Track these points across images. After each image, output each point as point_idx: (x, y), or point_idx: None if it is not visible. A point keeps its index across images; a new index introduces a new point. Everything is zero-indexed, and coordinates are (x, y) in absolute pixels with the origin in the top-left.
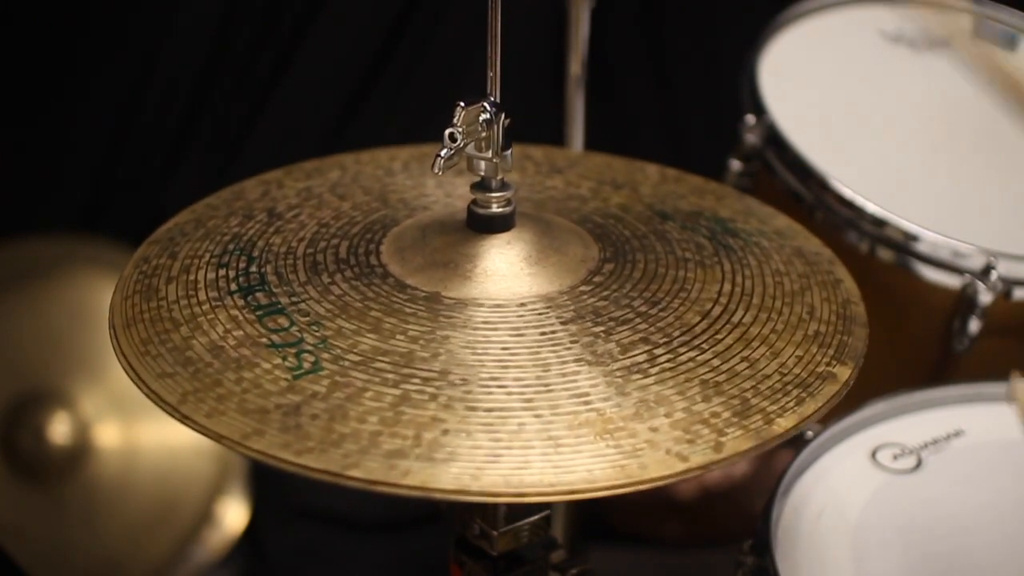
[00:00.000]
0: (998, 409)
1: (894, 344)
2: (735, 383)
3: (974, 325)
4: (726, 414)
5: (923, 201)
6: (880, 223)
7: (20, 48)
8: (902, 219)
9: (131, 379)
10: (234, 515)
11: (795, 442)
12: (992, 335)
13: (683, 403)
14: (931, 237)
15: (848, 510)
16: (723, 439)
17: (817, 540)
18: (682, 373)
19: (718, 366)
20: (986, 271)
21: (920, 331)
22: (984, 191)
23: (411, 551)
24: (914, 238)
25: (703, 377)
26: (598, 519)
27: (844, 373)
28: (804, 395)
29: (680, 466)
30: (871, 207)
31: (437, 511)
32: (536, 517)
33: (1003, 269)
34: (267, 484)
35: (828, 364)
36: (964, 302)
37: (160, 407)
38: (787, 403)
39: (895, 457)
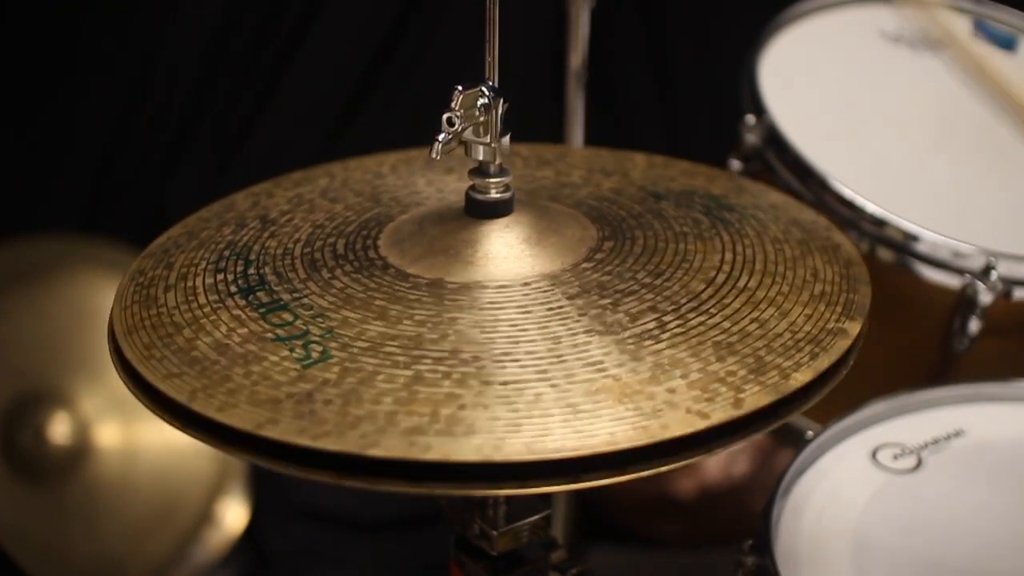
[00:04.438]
0: (998, 409)
1: (894, 343)
2: (747, 343)
3: (974, 325)
4: (742, 372)
5: (923, 201)
6: (880, 223)
7: (20, 48)
8: (902, 219)
9: (130, 391)
10: (234, 515)
11: (795, 442)
12: (992, 335)
13: (698, 364)
14: (931, 237)
15: (848, 510)
16: (742, 395)
17: (817, 540)
18: (694, 336)
19: (729, 328)
20: (986, 271)
21: (920, 331)
22: (984, 191)
23: (411, 551)
24: (914, 238)
25: (715, 339)
26: (598, 519)
27: (854, 328)
28: (817, 350)
29: (702, 423)
30: (871, 207)
31: (437, 511)
32: (536, 517)
33: (1003, 269)
34: (267, 484)
35: (837, 320)
36: (964, 302)
37: (159, 416)
38: (801, 358)
39: (895, 457)
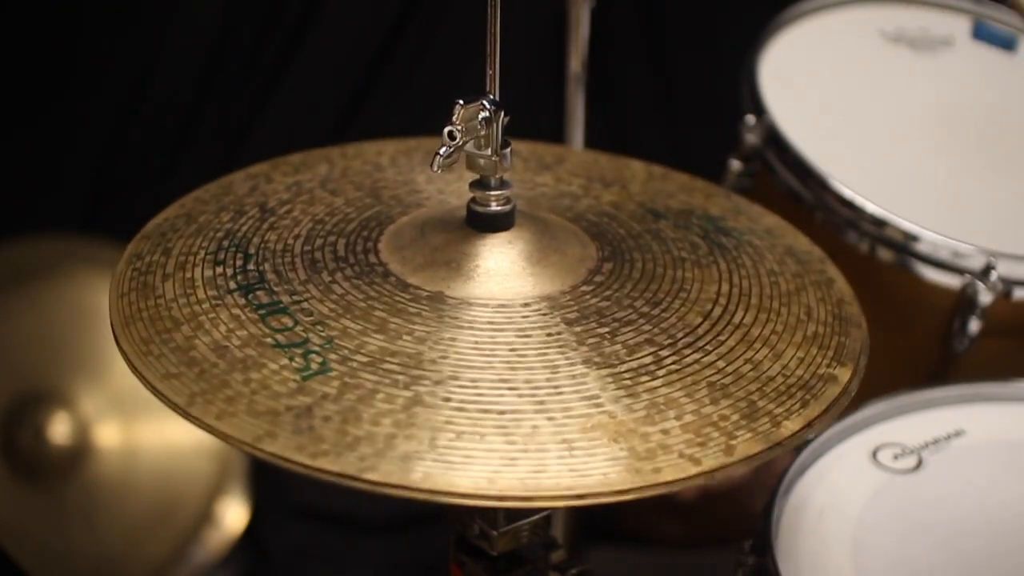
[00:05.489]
0: (998, 409)
1: (894, 344)
2: (741, 385)
3: (974, 325)
4: (734, 416)
5: (923, 201)
6: (880, 223)
7: (20, 48)
8: (902, 219)
9: (137, 377)
10: (234, 515)
11: None
12: (992, 335)
13: (692, 405)
14: (931, 237)
15: (849, 510)
16: (733, 442)
17: (818, 540)
18: (689, 375)
19: (723, 368)
20: (986, 271)
21: (920, 331)
22: (984, 191)
23: (411, 551)
24: (914, 238)
25: (709, 379)
26: (598, 519)
27: (844, 375)
28: (808, 397)
29: (693, 469)
30: (871, 207)
31: (437, 511)
32: (536, 517)
33: (1003, 269)
34: (267, 484)
35: (828, 366)
36: (964, 302)
37: (168, 406)
38: (792, 405)
39: (896, 457)
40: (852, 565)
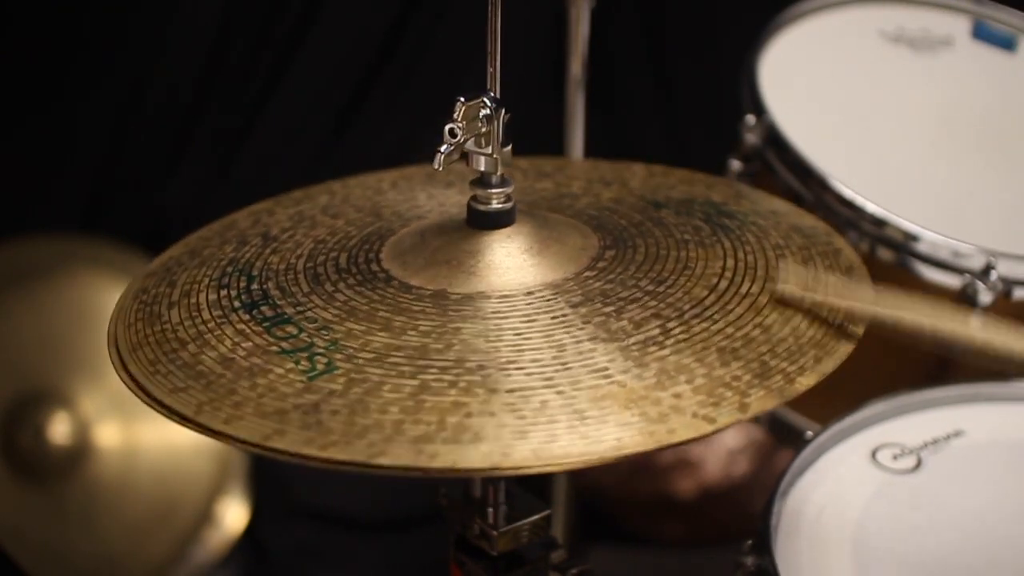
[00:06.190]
0: (998, 409)
1: (895, 344)
2: (752, 348)
3: None
4: (747, 376)
5: (923, 201)
6: (880, 223)
7: (20, 48)
8: (902, 219)
9: (142, 399)
10: (234, 515)
11: (795, 442)
12: None
13: (703, 370)
14: (931, 237)
15: (848, 510)
16: (747, 400)
17: (817, 540)
18: (698, 343)
19: (732, 334)
20: (986, 271)
21: None
22: (984, 191)
23: (411, 551)
24: (914, 238)
25: (719, 345)
26: (598, 519)
27: (858, 331)
28: (821, 354)
29: (708, 427)
30: (871, 207)
31: (437, 511)
32: (536, 517)
33: (1003, 269)
34: (267, 484)
35: (840, 325)
36: (964, 302)
37: (175, 421)
38: (805, 362)
39: (895, 457)
40: (852, 565)
